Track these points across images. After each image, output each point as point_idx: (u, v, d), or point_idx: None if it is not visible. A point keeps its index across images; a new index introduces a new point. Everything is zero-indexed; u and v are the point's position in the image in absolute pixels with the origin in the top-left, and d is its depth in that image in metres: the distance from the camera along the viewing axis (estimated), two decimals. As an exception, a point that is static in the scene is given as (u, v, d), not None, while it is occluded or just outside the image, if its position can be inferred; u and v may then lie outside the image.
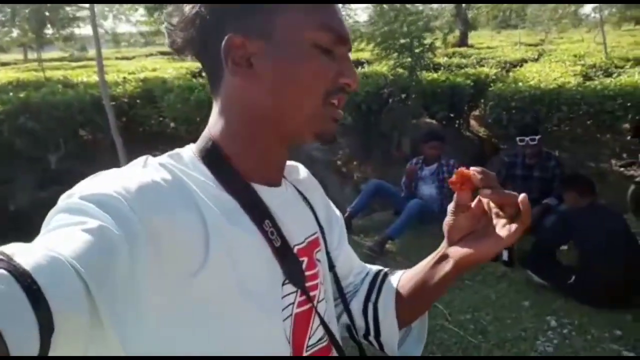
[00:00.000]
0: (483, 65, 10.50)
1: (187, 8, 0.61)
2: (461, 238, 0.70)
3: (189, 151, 0.65)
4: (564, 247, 3.39)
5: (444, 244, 0.72)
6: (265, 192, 0.65)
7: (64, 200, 0.52)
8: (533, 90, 6.27)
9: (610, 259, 2.86)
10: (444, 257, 0.72)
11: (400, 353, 0.80)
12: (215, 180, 0.61)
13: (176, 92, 6.58)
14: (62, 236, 0.45)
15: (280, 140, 0.66)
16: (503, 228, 0.65)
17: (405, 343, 0.82)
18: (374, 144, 6.75)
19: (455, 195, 0.68)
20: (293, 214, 0.69)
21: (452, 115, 7.19)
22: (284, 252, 0.63)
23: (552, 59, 11.73)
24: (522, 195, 0.63)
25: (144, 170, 0.58)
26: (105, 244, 0.46)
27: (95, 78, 8.09)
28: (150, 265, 0.50)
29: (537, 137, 4.26)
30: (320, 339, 0.68)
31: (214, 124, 0.66)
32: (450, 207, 0.70)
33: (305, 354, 0.65)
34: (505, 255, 3.50)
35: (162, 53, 26.79)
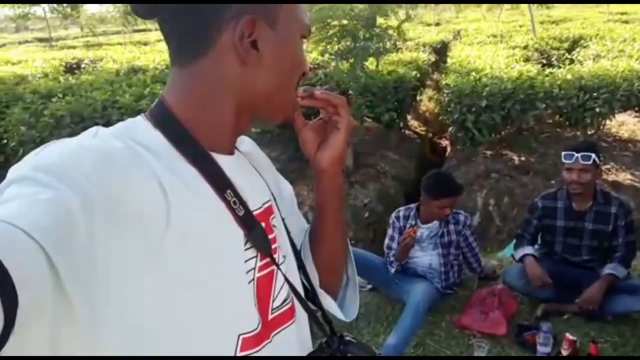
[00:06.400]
0: (400, 49, 9.33)
1: None
2: (316, 149, 0.76)
3: (142, 120, 0.63)
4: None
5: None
6: (223, 160, 0.64)
7: (15, 171, 0.50)
8: (502, 83, 5.09)
9: None
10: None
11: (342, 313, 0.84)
12: (172, 148, 0.60)
13: (24, 104, 4.60)
14: (16, 207, 0.45)
15: (251, 118, 0.68)
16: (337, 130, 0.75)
17: (343, 305, 0.86)
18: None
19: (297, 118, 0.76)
20: (249, 181, 0.69)
21: (396, 115, 5.84)
22: (247, 221, 0.64)
23: (472, 40, 10.96)
24: (339, 97, 0.73)
25: (95, 140, 0.57)
26: (62, 213, 0.45)
27: None
28: (109, 237, 0.48)
29: (592, 156, 2.53)
30: (284, 301, 0.70)
31: (175, 93, 0.64)
32: (297, 128, 0.77)
33: (270, 317, 0.66)
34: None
35: (40, 40, 22.74)
